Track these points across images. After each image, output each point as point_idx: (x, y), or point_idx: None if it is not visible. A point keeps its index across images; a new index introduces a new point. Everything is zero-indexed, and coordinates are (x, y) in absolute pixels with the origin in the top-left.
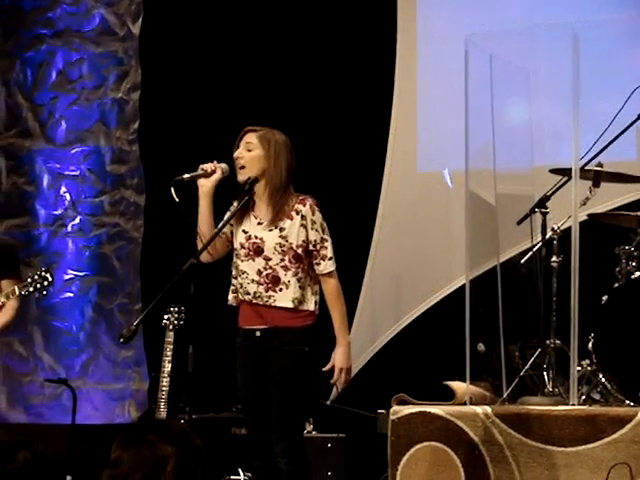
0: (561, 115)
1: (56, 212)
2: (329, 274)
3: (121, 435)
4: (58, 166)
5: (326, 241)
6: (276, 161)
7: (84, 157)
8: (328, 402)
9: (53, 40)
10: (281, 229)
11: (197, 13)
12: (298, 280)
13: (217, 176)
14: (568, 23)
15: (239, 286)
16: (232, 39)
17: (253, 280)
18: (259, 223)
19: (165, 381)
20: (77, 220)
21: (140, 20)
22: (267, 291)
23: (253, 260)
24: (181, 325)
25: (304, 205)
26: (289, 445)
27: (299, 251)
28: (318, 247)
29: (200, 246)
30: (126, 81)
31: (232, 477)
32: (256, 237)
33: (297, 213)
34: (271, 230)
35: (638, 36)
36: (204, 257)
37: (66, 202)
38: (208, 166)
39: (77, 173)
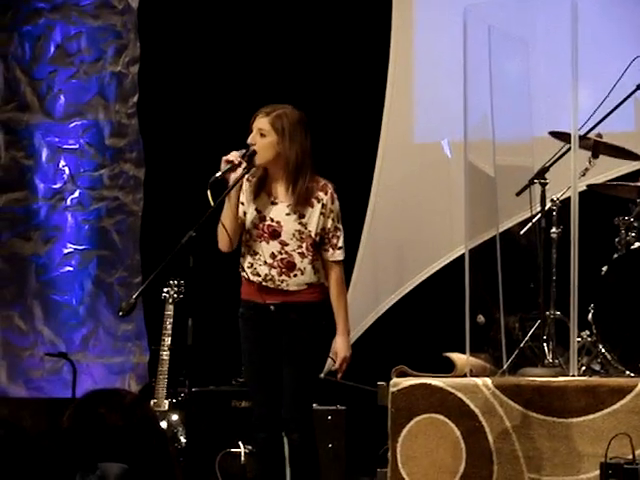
0: (560, 85)
1: (55, 186)
2: (337, 262)
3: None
4: (57, 140)
5: (339, 230)
6: (291, 144)
7: (83, 131)
8: (322, 375)
9: (51, 14)
10: (301, 215)
11: None
12: (313, 267)
13: (244, 166)
14: None
15: (247, 265)
16: (231, 11)
17: (265, 262)
18: (273, 203)
19: (165, 354)
20: (76, 194)
21: None
22: (280, 275)
23: (267, 242)
24: (181, 298)
25: (325, 193)
26: (302, 419)
27: (317, 239)
28: (330, 235)
29: (221, 236)
30: (125, 54)
31: (232, 450)
32: (272, 220)
33: (318, 201)
34: (289, 215)
35: (635, 3)
36: (227, 247)
37: (65, 176)
38: (233, 157)
39: (76, 147)
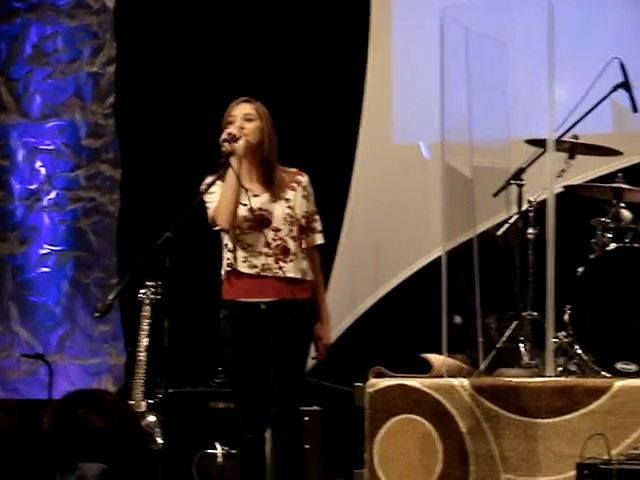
0: (538, 86)
1: (31, 187)
2: (316, 248)
3: (52, 408)
4: (33, 140)
5: (317, 214)
6: (270, 133)
7: (59, 131)
8: (314, 358)
9: (27, 13)
10: (287, 199)
11: None
12: (302, 251)
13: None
14: None
15: (242, 260)
16: (208, 11)
17: (261, 252)
18: (255, 195)
19: (142, 355)
20: (53, 194)
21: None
22: (277, 262)
23: (260, 232)
24: (157, 299)
25: (302, 176)
26: (291, 420)
27: (302, 222)
28: (311, 219)
29: (226, 211)
30: (101, 55)
31: (209, 451)
32: (261, 209)
33: (299, 184)
34: (276, 201)
35: (612, 5)
36: (230, 222)
37: (41, 176)
38: (234, 131)
39: (52, 147)
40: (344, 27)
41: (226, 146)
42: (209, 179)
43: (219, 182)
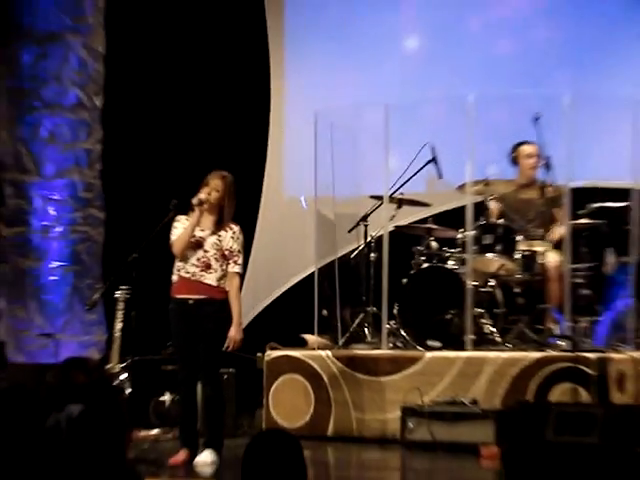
0: (377, 161)
1: (44, 223)
2: (236, 274)
3: (54, 369)
4: (46, 192)
5: (241, 253)
6: (229, 202)
7: (64, 187)
8: (227, 345)
9: (43, 109)
10: (218, 235)
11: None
12: (222, 270)
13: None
14: (381, 104)
15: (181, 267)
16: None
17: (193, 264)
18: (202, 230)
19: (117, 335)
20: (59, 229)
21: (101, 96)
22: (201, 272)
23: (194, 251)
24: (128, 298)
25: (236, 225)
26: (213, 379)
27: (226, 253)
28: (234, 254)
29: (182, 245)
30: (92, 137)
31: (161, 398)
32: (199, 237)
33: (230, 229)
34: (211, 235)
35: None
36: (182, 252)
37: (51, 217)
38: (203, 197)
39: (59, 198)
40: (255, 109)
41: (194, 204)
42: (179, 217)
43: (182, 218)
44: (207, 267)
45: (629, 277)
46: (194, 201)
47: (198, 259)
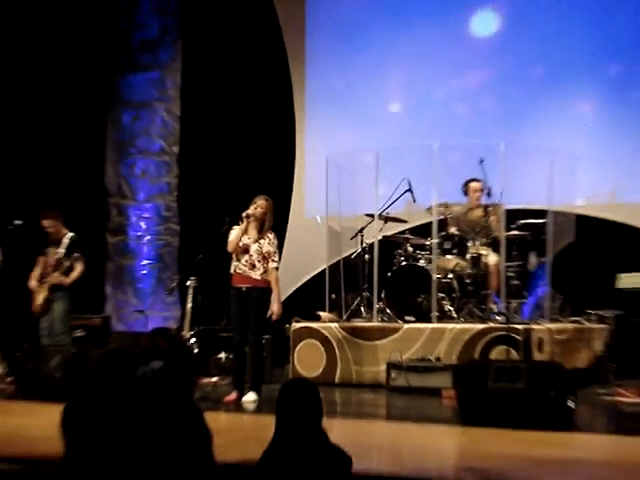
0: (370, 190)
1: (138, 233)
2: (274, 269)
3: (145, 336)
4: (139, 212)
5: (276, 253)
6: (268, 216)
7: (151, 208)
8: (267, 317)
9: (137, 155)
10: (260, 243)
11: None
12: (263, 268)
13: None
14: (373, 150)
15: (236, 265)
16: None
17: (243, 263)
18: (248, 238)
19: (188, 312)
20: (148, 237)
21: (177, 145)
22: (249, 269)
23: (243, 255)
24: (195, 286)
25: (272, 233)
26: (256, 343)
27: (265, 255)
28: (271, 255)
29: (234, 246)
30: (171, 173)
31: (218, 356)
32: (245, 244)
33: (267, 237)
34: (254, 242)
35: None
36: (232, 250)
37: (142, 229)
38: (247, 213)
39: (148, 216)
40: (285, 157)
41: (244, 217)
42: (234, 227)
43: (236, 227)
44: (252, 266)
45: (545, 272)
46: (244, 214)
47: (246, 261)
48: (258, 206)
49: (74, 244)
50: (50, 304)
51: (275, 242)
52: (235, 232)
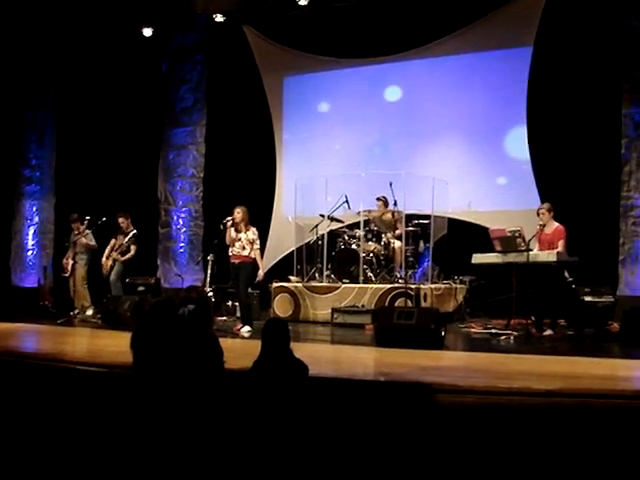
0: (324, 200)
1: (177, 227)
2: (257, 249)
3: (183, 290)
4: (178, 213)
5: (257, 241)
6: (246, 216)
7: (186, 211)
8: (256, 281)
9: (177, 177)
10: (246, 234)
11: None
12: (250, 249)
13: (229, 224)
14: (324, 176)
15: (232, 250)
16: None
17: (236, 248)
18: (237, 232)
19: (209, 276)
20: (184, 230)
21: (203, 172)
22: (238, 251)
23: (235, 243)
24: (213, 260)
25: (253, 227)
26: (245, 296)
27: (250, 240)
28: (254, 241)
29: (228, 239)
30: (198, 189)
31: (227, 303)
32: (235, 237)
33: (250, 230)
34: (241, 234)
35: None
36: (228, 243)
37: (180, 224)
38: (229, 219)
39: (184, 216)
40: (268, 176)
41: (224, 223)
42: (229, 228)
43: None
44: (243, 248)
45: (429, 253)
46: (224, 221)
47: (238, 246)
48: (237, 213)
49: (133, 237)
50: (112, 270)
51: (257, 233)
52: (228, 233)
